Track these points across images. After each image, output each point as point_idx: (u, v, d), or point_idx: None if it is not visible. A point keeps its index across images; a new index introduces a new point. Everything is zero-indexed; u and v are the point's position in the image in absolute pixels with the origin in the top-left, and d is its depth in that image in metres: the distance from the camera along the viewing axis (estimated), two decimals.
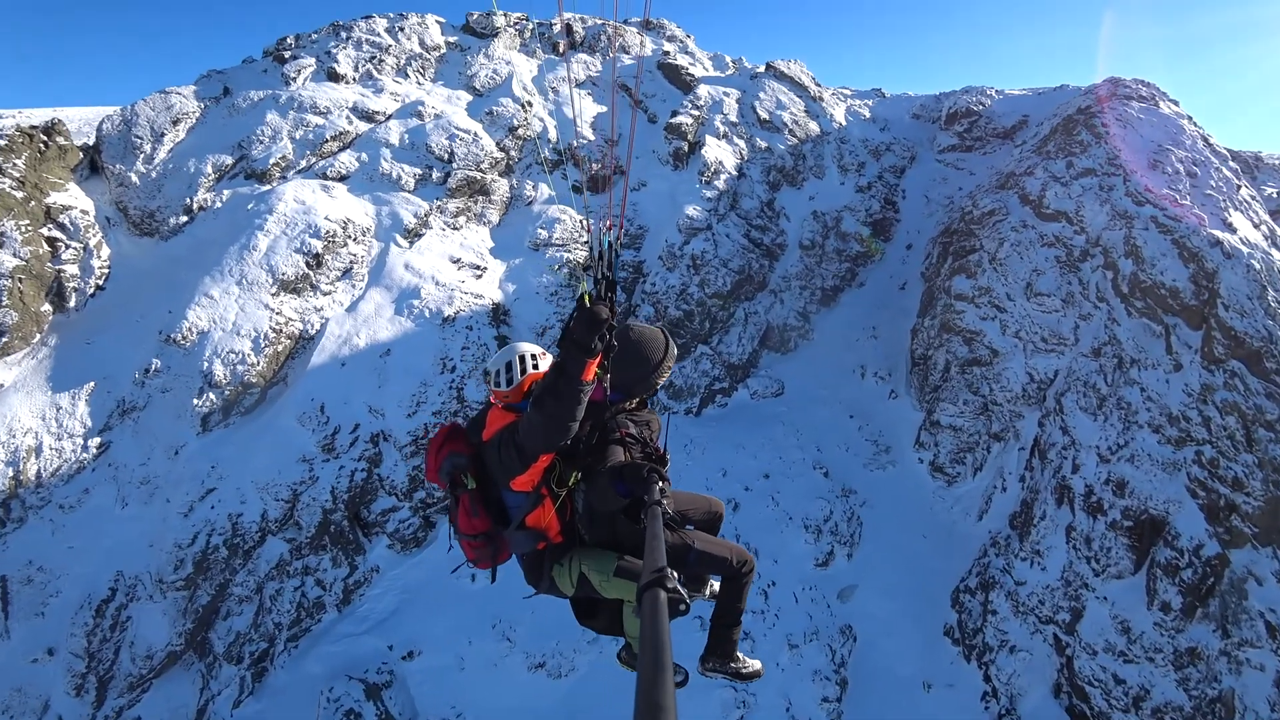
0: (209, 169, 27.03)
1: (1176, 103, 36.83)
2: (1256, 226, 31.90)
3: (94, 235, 25.24)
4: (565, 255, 29.72)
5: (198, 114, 28.28)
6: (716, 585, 3.44)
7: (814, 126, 38.71)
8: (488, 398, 3.24)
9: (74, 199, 25.46)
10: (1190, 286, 28.81)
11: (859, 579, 26.47)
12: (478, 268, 28.49)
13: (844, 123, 40.46)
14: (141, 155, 26.81)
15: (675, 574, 1.94)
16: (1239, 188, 32.56)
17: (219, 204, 26.77)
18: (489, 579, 3.68)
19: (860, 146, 39.85)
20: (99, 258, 25.12)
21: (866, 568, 26.92)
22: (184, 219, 26.42)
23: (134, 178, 26.49)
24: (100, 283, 25.06)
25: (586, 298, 2.72)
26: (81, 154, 26.56)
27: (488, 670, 22.74)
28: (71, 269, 24.45)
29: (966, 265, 31.11)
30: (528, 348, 3.20)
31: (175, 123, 27.62)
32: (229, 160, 27.46)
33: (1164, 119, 32.88)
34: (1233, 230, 29.95)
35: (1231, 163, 33.72)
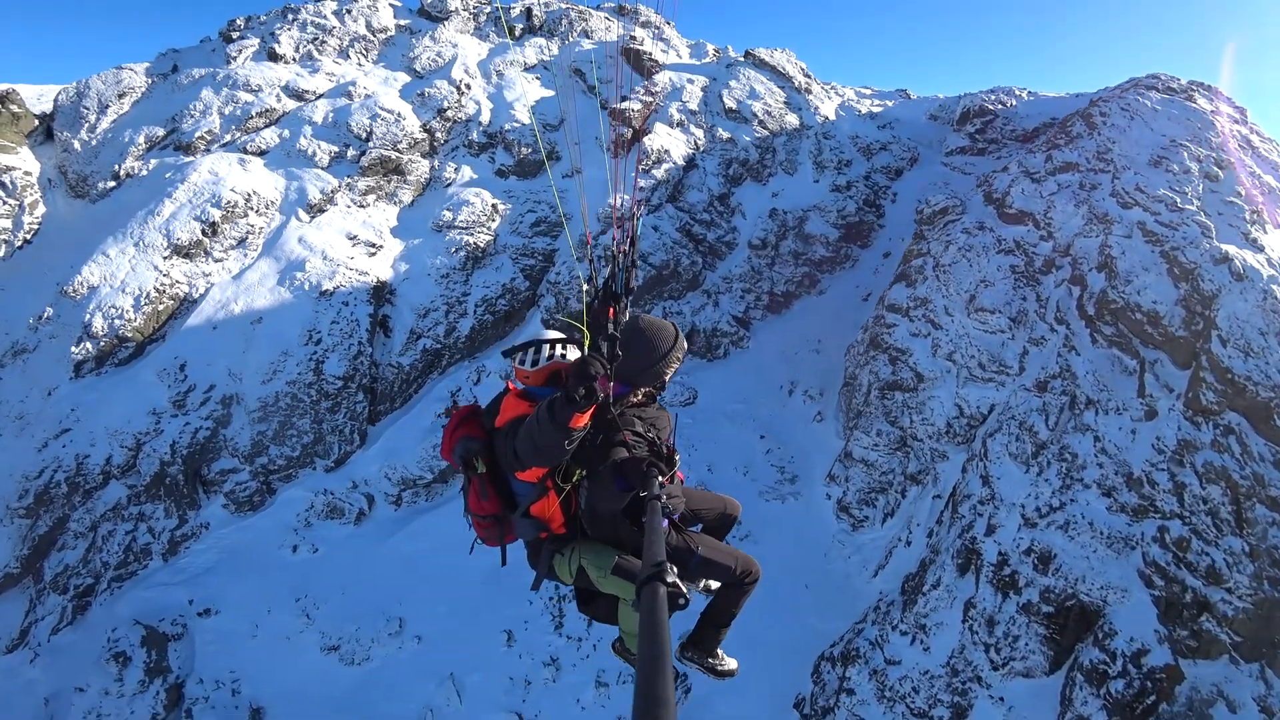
0: (141, 139, 30.12)
1: (1243, 111, 30.79)
2: None
3: (31, 195, 28.86)
4: (466, 239, 30.03)
5: (144, 89, 31.70)
6: (714, 583, 3.53)
7: (792, 119, 36.59)
8: (507, 382, 3.43)
9: (21, 161, 29.29)
10: (1179, 312, 24.40)
11: None
12: (373, 245, 29.52)
13: (832, 117, 37.84)
14: (86, 125, 30.43)
15: (674, 568, 2.07)
16: None
17: (145, 172, 29.71)
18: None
19: (848, 143, 37.12)
20: (31, 215, 28.67)
21: None
22: (112, 184, 29.57)
23: (76, 145, 30.10)
24: (29, 237, 28.56)
25: (586, 343, 2.98)
26: (38, 121, 30.54)
27: (279, 642, 23.30)
28: (4, 223, 28.05)
29: (908, 272, 27.93)
30: (559, 336, 3.37)
31: (121, 96, 31.11)
32: (160, 132, 30.47)
33: (1187, 111, 27.87)
34: (1257, 248, 24.93)
35: None
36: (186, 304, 27.58)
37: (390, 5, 36.60)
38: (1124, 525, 21.62)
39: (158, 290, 27.01)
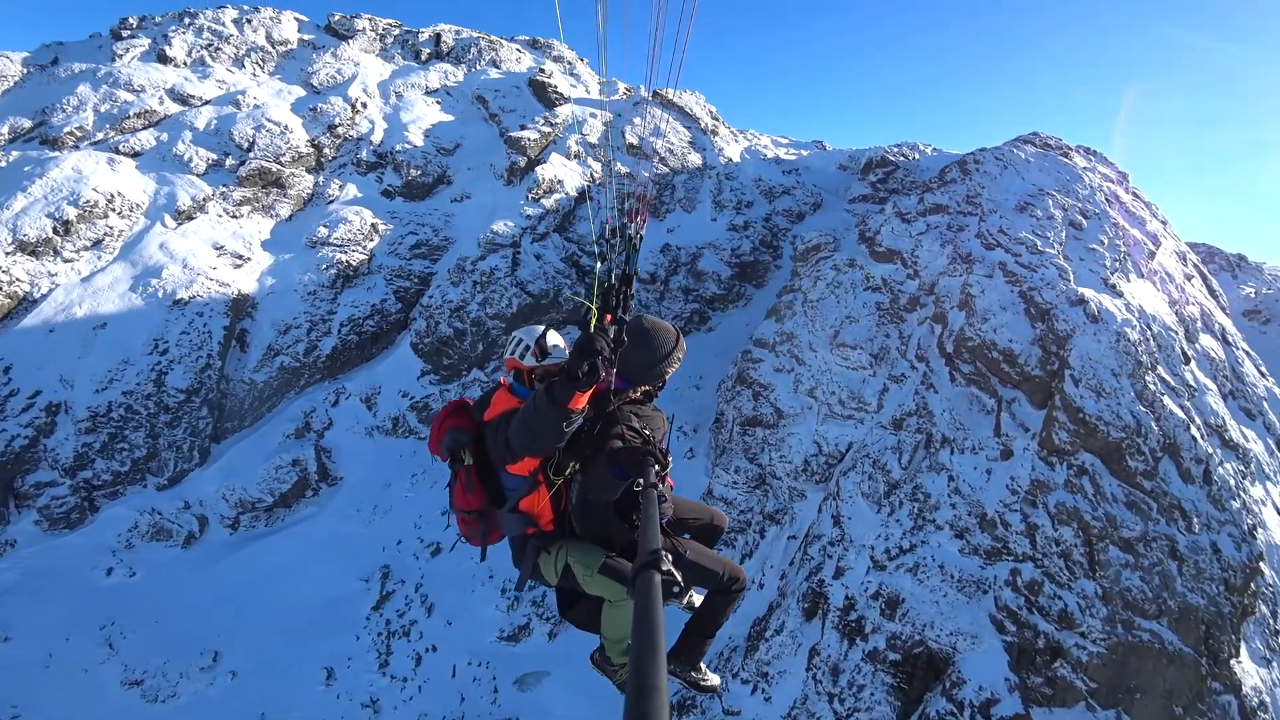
0: (4, 129, 29.11)
1: (1125, 175, 32.02)
2: (1173, 305, 26.95)
3: None
4: (340, 256, 29.39)
5: (18, 78, 30.82)
6: (697, 599, 3.52)
7: (695, 158, 37.12)
8: (499, 377, 3.43)
9: None
10: (1036, 351, 24.53)
11: (553, 666, 23.09)
12: (240, 257, 28.70)
13: (736, 159, 38.50)
14: None
15: (669, 555, 2.07)
16: (1153, 254, 27.77)
17: (4, 164, 28.53)
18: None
19: (750, 185, 37.73)
20: None
21: (569, 655, 23.24)
22: None
23: None
24: None
25: (592, 322, 2.90)
26: None
27: (74, 675, 21.73)
28: None
29: (778, 307, 28.03)
30: (558, 339, 3.37)
31: None
32: (28, 124, 29.52)
33: (1058, 164, 28.89)
34: (1116, 293, 25.37)
35: (1154, 226, 28.96)
36: (25, 304, 26.30)
37: (295, 19, 36.50)
38: (976, 568, 21.23)
39: None
